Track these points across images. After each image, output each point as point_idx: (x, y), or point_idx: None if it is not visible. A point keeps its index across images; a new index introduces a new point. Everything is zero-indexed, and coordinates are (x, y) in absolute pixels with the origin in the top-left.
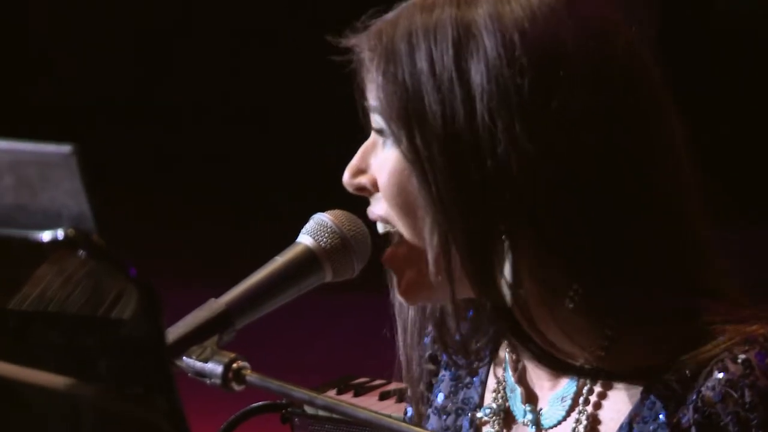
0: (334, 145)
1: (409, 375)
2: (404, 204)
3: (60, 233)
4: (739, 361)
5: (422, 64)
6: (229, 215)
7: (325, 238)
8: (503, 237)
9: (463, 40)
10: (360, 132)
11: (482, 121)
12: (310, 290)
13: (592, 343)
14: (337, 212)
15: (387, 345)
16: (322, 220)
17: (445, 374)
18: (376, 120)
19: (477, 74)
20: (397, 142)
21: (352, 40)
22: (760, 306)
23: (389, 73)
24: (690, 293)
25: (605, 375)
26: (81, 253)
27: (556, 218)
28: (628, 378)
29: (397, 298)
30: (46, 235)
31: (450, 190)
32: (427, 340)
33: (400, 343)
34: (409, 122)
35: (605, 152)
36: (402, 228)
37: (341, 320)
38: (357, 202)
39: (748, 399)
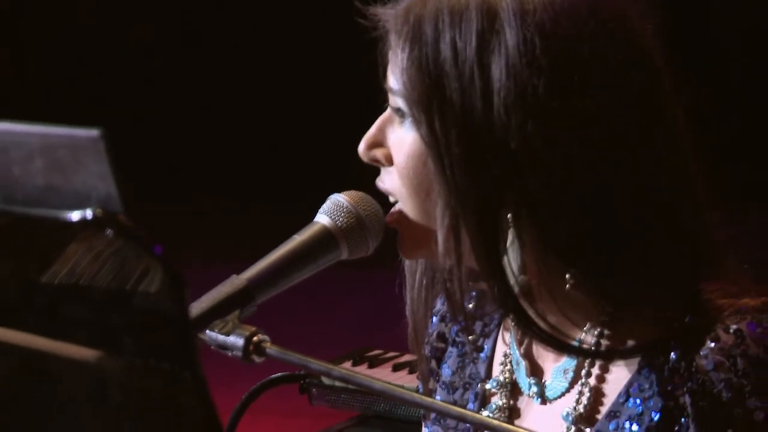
0: (349, 128)
1: (418, 348)
2: (417, 185)
3: (89, 213)
4: (731, 331)
5: (446, 52)
6: (249, 195)
7: (342, 217)
8: (510, 223)
9: (487, 33)
10: (370, 117)
11: (498, 115)
12: (326, 267)
13: (593, 320)
14: (353, 193)
15: (400, 319)
16: (338, 201)
17: (452, 350)
18: (396, 100)
19: (497, 69)
20: (417, 125)
21: (380, 11)
22: (756, 283)
23: (414, 57)
24: (689, 274)
25: (604, 355)
26: (109, 232)
27: (559, 210)
28: (625, 356)
29: (406, 265)
30: (75, 215)
31: (464, 177)
32: (435, 318)
33: (408, 311)
34: (430, 109)
35: (612, 153)
36: (410, 205)
37: (356, 296)
38: (370, 184)
39: (740, 366)
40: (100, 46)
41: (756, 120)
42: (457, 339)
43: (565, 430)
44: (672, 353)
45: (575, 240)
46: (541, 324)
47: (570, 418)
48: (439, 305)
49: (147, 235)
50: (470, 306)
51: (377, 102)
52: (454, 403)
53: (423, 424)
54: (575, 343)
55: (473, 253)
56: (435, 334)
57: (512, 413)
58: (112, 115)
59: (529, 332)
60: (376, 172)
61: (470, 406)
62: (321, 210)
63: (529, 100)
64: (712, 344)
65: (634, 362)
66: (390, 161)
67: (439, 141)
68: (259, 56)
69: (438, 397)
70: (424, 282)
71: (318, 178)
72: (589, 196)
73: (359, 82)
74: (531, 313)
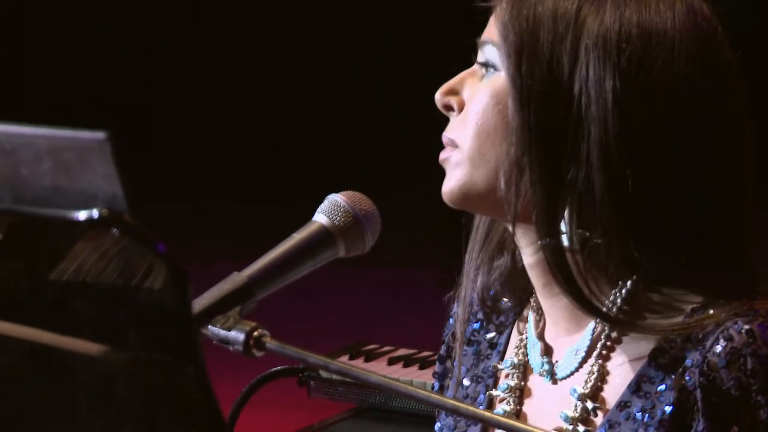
0: (349, 129)
1: (462, 318)
2: (483, 124)
3: (95, 213)
4: (743, 331)
5: (547, 6)
6: (249, 195)
7: (339, 216)
8: (573, 172)
9: (588, 1)
10: (370, 118)
11: (580, 68)
12: (324, 265)
13: (613, 289)
14: (350, 193)
15: (395, 315)
16: (335, 200)
17: (467, 350)
18: (487, 52)
19: (589, 30)
20: (505, 65)
21: None
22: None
23: (516, 6)
24: (714, 267)
25: (625, 322)
26: (114, 231)
27: (611, 171)
28: (643, 330)
29: (473, 234)
30: (82, 215)
31: (539, 117)
32: (451, 320)
33: (462, 287)
34: (521, 52)
35: (674, 127)
36: (468, 144)
37: (354, 292)
38: (367, 186)
39: (750, 366)
40: (100, 46)
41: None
42: (473, 338)
43: (573, 407)
44: (684, 346)
45: (617, 203)
46: (580, 283)
47: (577, 395)
48: (455, 308)
49: (151, 234)
50: (488, 304)
51: (379, 104)
52: (466, 396)
53: (437, 418)
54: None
55: (533, 189)
56: (451, 334)
57: (522, 393)
58: (112, 116)
59: (566, 286)
60: (374, 175)
61: (481, 396)
62: (319, 209)
63: (612, 60)
64: (725, 342)
65: (645, 352)
66: (461, 108)
67: (523, 79)
68: (259, 56)
69: (449, 393)
70: (485, 257)
71: (317, 179)
72: (642, 164)
73: (359, 83)
74: (573, 270)
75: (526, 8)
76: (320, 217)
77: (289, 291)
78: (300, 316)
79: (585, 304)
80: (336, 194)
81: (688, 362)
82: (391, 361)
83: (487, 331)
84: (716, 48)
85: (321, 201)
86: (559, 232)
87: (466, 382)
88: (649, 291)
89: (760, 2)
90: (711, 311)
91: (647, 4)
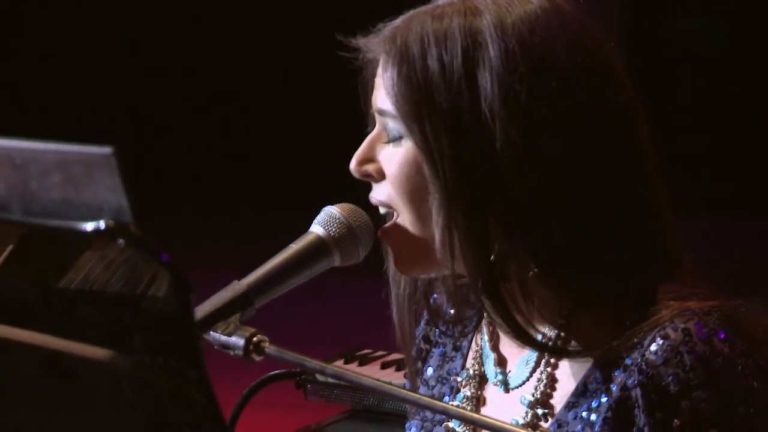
0: (344, 145)
1: (406, 350)
2: (412, 191)
3: (101, 224)
4: (680, 329)
5: (434, 66)
6: (250, 207)
7: (334, 228)
8: (497, 219)
9: (471, 48)
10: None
11: (485, 119)
12: (320, 274)
13: (554, 314)
14: (345, 205)
15: (387, 321)
16: (331, 212)
17: (434, 351)
18: (388, 123)
19: (483, 78)
20: (410, 133)
21: (362, 41)
22: (705, 284)
23: (403, 74)
24: (644, 276)
25: (563, 352)
26: (120, 241)
27: (533, 206)
28: (583, 354)
29: (393, 273)
30: (89, 226)
31: (456, 178)
32: (422, 322)
33: (396, 321)
34: (421, 117)
35: (585, 153)
36: (404, 212)
37: (348, 300)
38: (362, 196)
39: (688, 362)
40: (100, 46)
41: (706, 135)
42: (440, 341)
43: (524, 414)
44: (624, 350)
45: (545, 235)
46: (518, 317)
47: (527, 402)
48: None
49: (155, 244)
50: (451, 311)
51: (363, 114)
52: (433, 397)
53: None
54: (539, 337)
55: (463, 248)
56: (421, 336)
57: (479, 402)
58: (113, 117)
59: (503, 324)
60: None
61: (446, 398)
62: (315, 221)
63: (512, 104)
64: (661, 341)
65: (591, 357)
66: (381, 175)
67: (432, 146)
68: (261, 57)
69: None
70: (408, 292)
71: (318, 182)
72: (562, 193)
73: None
74: (508, 304)
75: (411, 72)
76: (316, 228)
77: (287, 298)
78: (297, 323)
79: (522, 336)
80: (331, 206)
81: (627, 361)
82: (384, 365)
83: (450, 334)
84: (600, 51)
85: (321, 206)
86: (493, 276)
87: (432, 382)
88: (584, 310)
89: (732, 26)
90: (649, 318)
91: (525, 30)
